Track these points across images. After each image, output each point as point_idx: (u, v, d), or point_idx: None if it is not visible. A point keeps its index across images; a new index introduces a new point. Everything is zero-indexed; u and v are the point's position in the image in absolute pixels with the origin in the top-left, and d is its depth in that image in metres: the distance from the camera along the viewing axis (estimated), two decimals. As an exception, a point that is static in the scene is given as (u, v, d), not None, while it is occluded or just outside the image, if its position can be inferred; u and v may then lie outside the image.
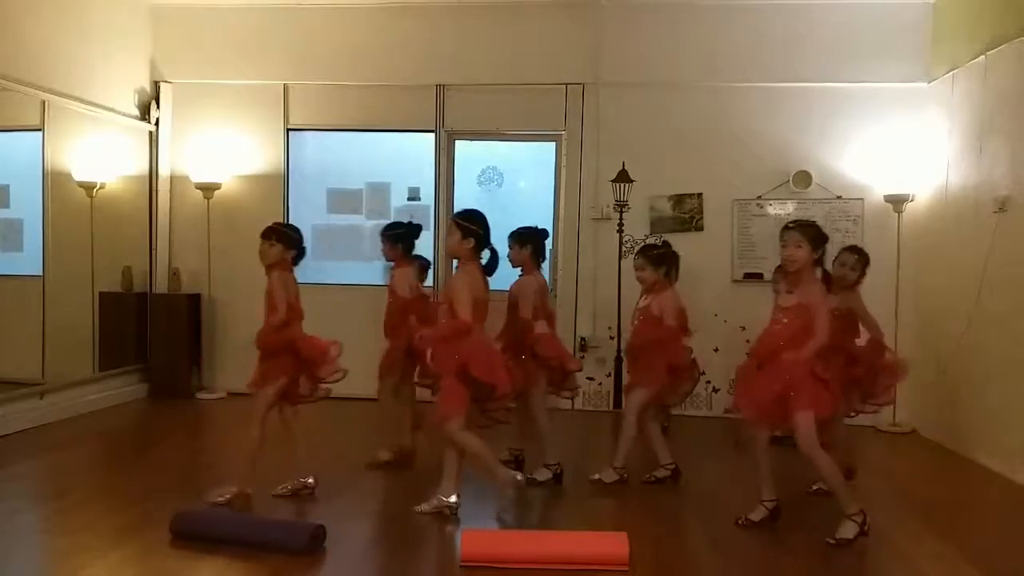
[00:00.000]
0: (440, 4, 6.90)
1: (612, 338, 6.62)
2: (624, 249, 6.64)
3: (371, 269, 7.07)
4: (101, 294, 6.52)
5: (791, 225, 3.92)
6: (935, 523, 4.09)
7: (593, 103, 6.82)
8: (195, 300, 7.05)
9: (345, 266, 7.21)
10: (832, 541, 3.67)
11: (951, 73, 6.09)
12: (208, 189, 7.01)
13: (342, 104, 7.10)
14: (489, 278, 4.06)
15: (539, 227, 4.80)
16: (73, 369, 6.23)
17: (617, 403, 6.59)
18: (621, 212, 6.55)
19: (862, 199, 6.58)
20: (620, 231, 6.61)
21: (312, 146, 7.32)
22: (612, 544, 3.35)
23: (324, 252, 7.24)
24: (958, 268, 5.70)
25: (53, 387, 5.93)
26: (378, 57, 6.97)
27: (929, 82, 6.44)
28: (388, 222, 5.39)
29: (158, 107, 7.11)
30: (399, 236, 4.96)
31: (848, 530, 3.68)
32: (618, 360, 6.45)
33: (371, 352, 4.99)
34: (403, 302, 4.87)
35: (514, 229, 4.76)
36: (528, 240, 4.70)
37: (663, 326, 4.55)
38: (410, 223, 5.04)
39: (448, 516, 3.89)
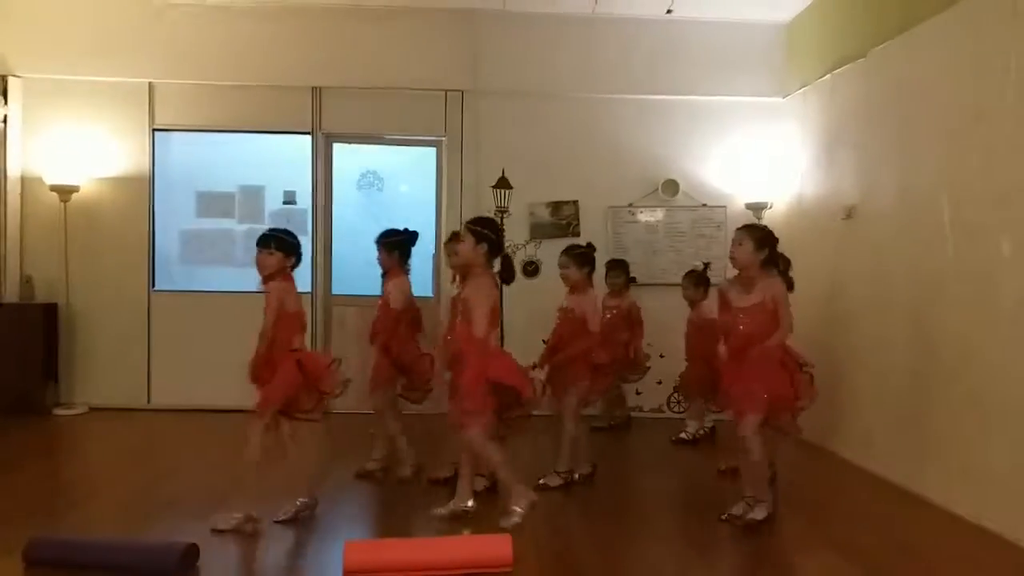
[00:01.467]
0: (316, 5, 6.76)
1: (493, 342, 6.69)
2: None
3: (245, 276, 6.83)
4: (-58, 305, 6.00)
5: (740, 226, 4.13)
6: (798, 510, 4.36)
7: (472, 110, 6.88)
8: (51, 310, 6.59)
9: (217, 272, 6.94)
10: (738, 520, 3.95)
11: (803, 89, 6.55)
12: (64, 192, 6.57)
13: (212, 104, 6.83)
14: (507, 286, 4.09)
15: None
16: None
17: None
18: (502, 218, 6.62)
19: (725, 207, 6.96)
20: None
21: (180, 147, 7.00)
22: (495, 546, 3.40)
23: (194, 258, 6.98)
24: (811, 272, 6.11)
25: None
26: (251, 57, 6.76)
27: (784, 97, 6.90)
28: (385, 229, 4.91)
29: (6, 103, 6.60)
30: (395, 244, 4.81)
31: (761, 512, 3.96)
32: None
33: (246, 361, 4.78)
34: (395, 313, 4.72)
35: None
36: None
37: (587, 332, 4.63)
38: (407, 230, 4.86)
39: (462, 517, 3.96)
